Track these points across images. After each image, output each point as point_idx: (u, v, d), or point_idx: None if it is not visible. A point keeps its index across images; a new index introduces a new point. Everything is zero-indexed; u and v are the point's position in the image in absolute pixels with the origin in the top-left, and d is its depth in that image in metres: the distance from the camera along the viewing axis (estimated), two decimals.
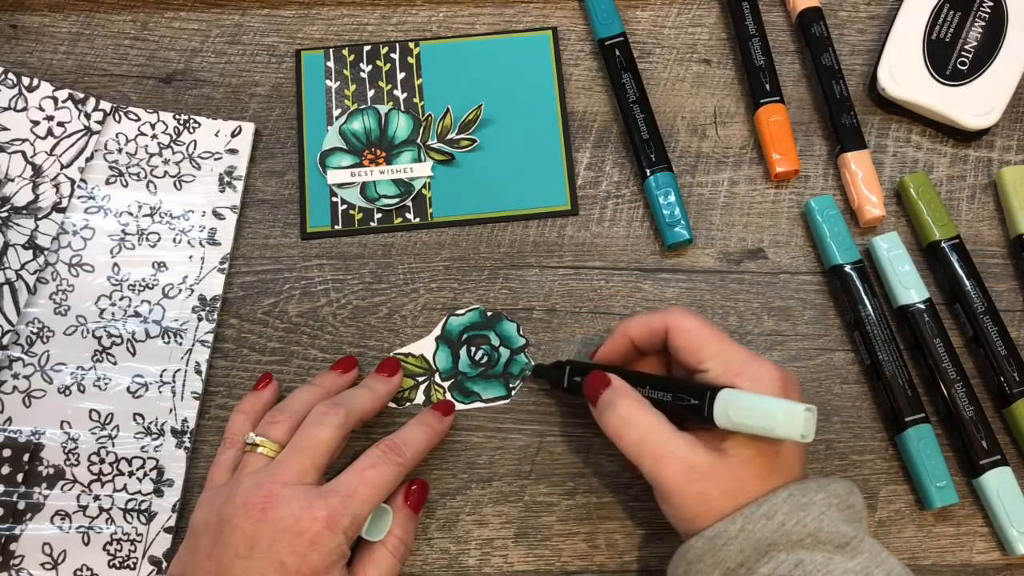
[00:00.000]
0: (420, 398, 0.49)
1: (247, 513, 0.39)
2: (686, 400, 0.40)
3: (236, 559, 0.39)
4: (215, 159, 0.53)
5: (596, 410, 0.43)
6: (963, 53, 0.53)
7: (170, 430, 0.48)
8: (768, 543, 0.37)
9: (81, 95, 0.53)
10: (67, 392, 0.48)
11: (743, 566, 0.37)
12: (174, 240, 0.51)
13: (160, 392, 0.49)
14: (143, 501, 0.47)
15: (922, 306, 0.49)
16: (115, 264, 0.51)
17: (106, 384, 0.49)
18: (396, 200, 0.53)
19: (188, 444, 0.48)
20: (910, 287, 0.50)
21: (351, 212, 0.53)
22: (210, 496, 0.42)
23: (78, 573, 0.46)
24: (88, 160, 0.52)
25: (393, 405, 0.49)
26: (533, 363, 0.49)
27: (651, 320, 0.43)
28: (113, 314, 0.50)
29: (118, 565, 0.46)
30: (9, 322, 0.49)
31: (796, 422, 0.36)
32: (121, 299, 0.50)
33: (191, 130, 0.53)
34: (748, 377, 0.39)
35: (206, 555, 0.40)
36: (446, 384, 0.50)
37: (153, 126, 0.53)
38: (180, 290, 0.50)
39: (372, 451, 0.43)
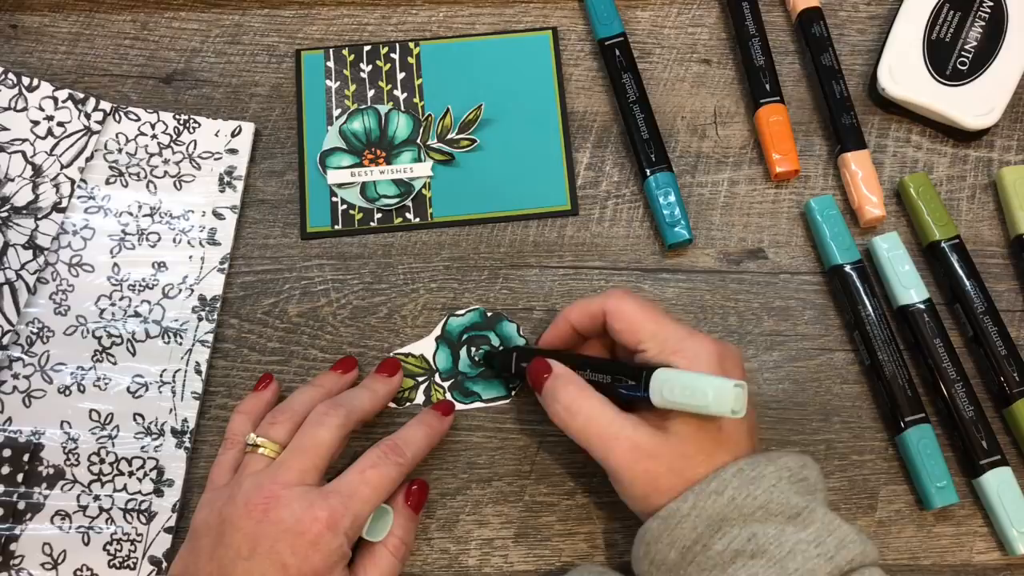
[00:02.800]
0: (420, 398, 0.49)
1: (248, 514, 0.39)
2: (624, 381, 0.41)
3: (238, 560, 0.39)
4: (215, 159, 0.53)
5: (541, 398, 0.43)
6: (963, 53, 0.53)
7: (170, 430, 0.48)
8: (720, 518, 0.38)
9: (81, 95, 0.53)
10: (67, 392, 0.48)
11: (698, 543, 0.38)
12: (174, 240, 0.51)
13: (160, 392, 0.49)
14: (143, 501, 0.47)
15: (922, 306, 0.49)
16: (115, 264, 0.51)
17: (106, 384, 0.49)
18: (396, 200, 0.53)
19: (188, 444, 0.48)
20: (910, 287, 0.50)
21: (351, 212, 0.53)
22: (211, 497, 0.42)
23: (78, 573, 0.46)
24: (88, 160, 0.52)
25: (393, 405, 0.49)
26: (484, 349, 0.49)
27: (589, 304, 0.44)
28: (113, 314, 0.50)
29: (118, 565, 0.46)
30: (9, 322, 0.49)
31: (726, 398, 0.36)
32: (121, 299, 0.50)
33: (191, 130, 0.53)
34: (684, 355, 0.40)
35: (207, 556, 0.40)
36: (446, 384, 0.50)
37: (153, 126, 0.53)
38: (180, 290, 0.50)
39: (373, 451, 0.43)
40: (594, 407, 0.41)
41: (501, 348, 0.48)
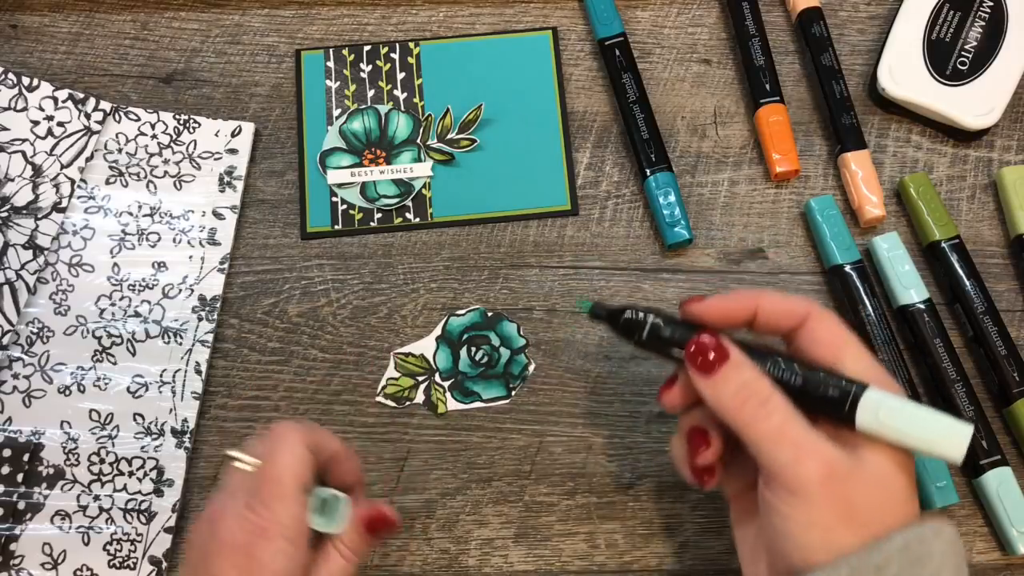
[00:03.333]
0: (420, 398, 0.49)
1: (200, 529, 0.39)
2: (822, 388, 0.35)
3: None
4: (215, 159, 0.53)
5: (709, 382, 0.36)
6: (963, 53, 0.53)
7: (170, 430, 0.48)
8: None
9: (81, 95, 0.53)
10: (67, 392, 0.48)
11: None
12: (174, 240, 0.51)
13: (160, 392, 0.49)
14: (143, 501, 0.47)
15: (922, 306, 0.49)
16: (115, 264, 0.51)
17: (106, 384, 0.49)
18: (396, 200, 0.53)
19: (188, 444, 0.48)
20: (910, 287, 0.50)
21: (351, 212, 0.53)
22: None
23: (78, 573, 0.46)
24: (88, 160, 0.52)
25: (393, 404, 0.49)
26: (590, 302, 0.41)
27: (793, 302, 0.38)
28: (113, 314, 0.50)
29: (118, 565, 0.46)
30: (9, 322, 0.49)
31: (959, 440, 0.32)
32: (121, 299, 0.50)
33: (191, 130, 0.53)
34: (889, 388, 0.35)
35: (185, 570, 0.39)
36: (446, 384, 0.50)
37: (153, 126, 0.53)
38: (180, 290, 0.50)
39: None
40: (789, 409, 0.35)
41: (624, 306, 0.39)
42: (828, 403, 0.35)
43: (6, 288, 0.49)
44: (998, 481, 0.46)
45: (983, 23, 0.54)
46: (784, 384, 0.36)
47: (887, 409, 0.34)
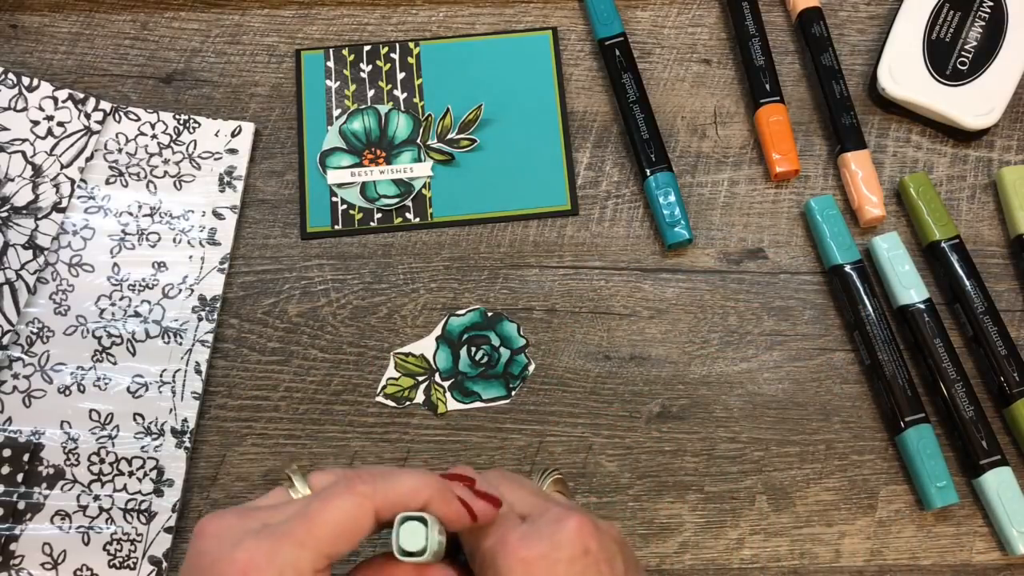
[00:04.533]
0: (420, 397, 0.49)
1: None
2: None
3: None
4: (215, 159, 0.53)
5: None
6: (963, 53, 0.53)
7: (170, 430, 0.48)
8: None
9: (81, 95, 0.53)
10: (67, 392, 0.48)
11: None
12: (174, 240, 0.51)
13: (160, 392, 0.49)
14: (143, 501, 0.47)
15: (922, 306, 0.49)
16: (115, 264, 0.51)
17: (106, 384, 0.49)
18: (396, 200, 0.53)
19: (188, 444, 0.48)
20: (910, 287, 0.50)
21: (351, 212, 0.53)
22: None
23: (78, 573, 0.46)
24: (88, 160, 0.52)
25: (392, 404, 0.49)
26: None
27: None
28: (113, 314, 0.50)
29: (118, 565, 0.46)
30: (9, 322, 0.49)
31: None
32: (121, 299, 0.50)
33: (191, 130, 0.53)
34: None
35: None
36: (446, 384, 0.50)
37: (153, 126, 0.53)
38: (180, 290, 0.50)
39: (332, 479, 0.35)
40: None
41: None
42: None
43: (6, 288, 0.49)
44: (998, 481, 0.46)
45: (983, 23, 0.54)
46: None
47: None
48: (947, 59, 0.53)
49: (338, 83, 0.55)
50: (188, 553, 0.32)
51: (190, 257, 0.51)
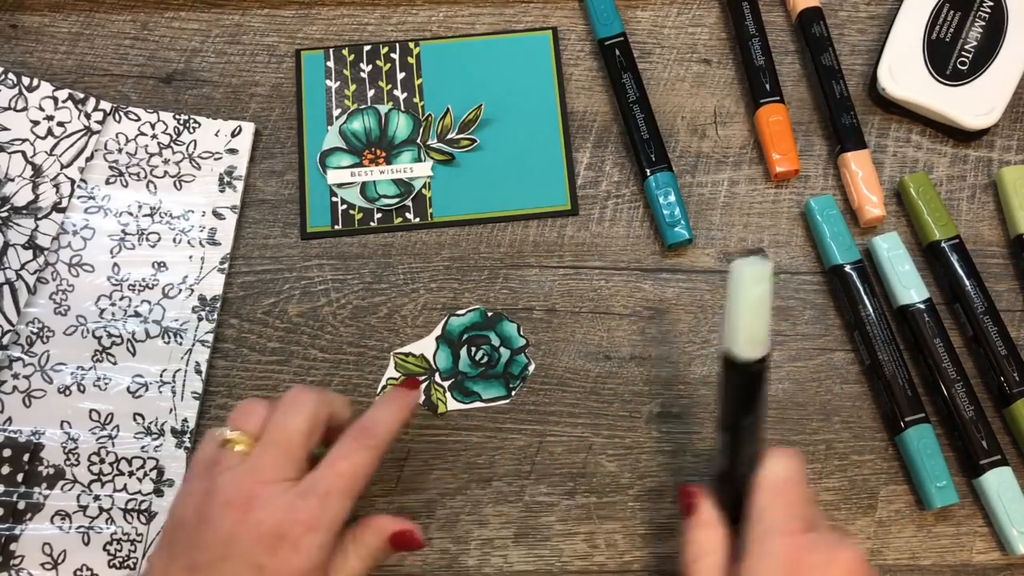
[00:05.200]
0: (420, 398, 0.49)
1: (226, 513, 0.38)
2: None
3: (214, 560, 0.38)
4: (215, 159, 0.53)
5: (685, 521, 0.42)
6: (963, 53, 0.53)
7: (170, 430, 0.48)
8: None
9: (81, 95, 0.53)
10: (67, 392, 0.48)
11: None
12: (174, 240, 0.51)
13: (160, 392, 0.49)
14: (143, 501, 0.47)
15: (922, 306, 0.49)
16: (115, 264, 0.51)
17: (106, 384, 0.49)
18: (396, 200, 0.53)
19: (188, 444, 0.48)
20: (910, 287, 0.50)
21: (351, 212, 0.53)
22: (187, 489, 0.41)
23: (78, 573, 0.46)
24: (88, 160, 0.52)
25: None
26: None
27: None
28: (113, 314, 0.50)
29: (118, 565, 0.46)
30: (9, 322, 0.49)
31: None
32: (121, 299, 0.50)
33: (191, 130, 0.53)
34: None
35: (183, 554, 0.39)
36: (446, 384, 0.50)
37: (153, 126, 0.53)
38: (180, 290, 0.50)
39: (343, 440, 0.41)
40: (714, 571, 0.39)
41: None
42: None
43: (6, 288, 0.49)
44: (998, 481, 0.47)
45: (983, 23, 0.54)
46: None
47: None
48: (947, 59, 0.53)
49: (338, 83, 0.55)
50: (236, 521, 0.38)
51: (190, 257, 0.51)
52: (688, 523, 0.41)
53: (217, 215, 0.52)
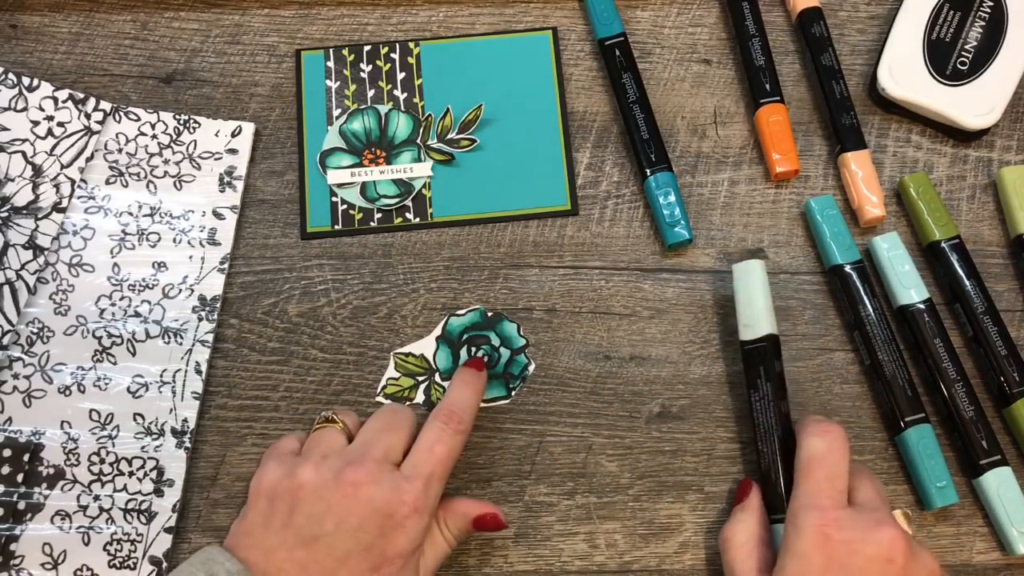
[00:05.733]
0: (420, 397, 0.49)
1: (337, 487, 0.39)
2: None
3: (321, 533, 0.39)
4: (215, 159, 0.53)
5: (736, 506, 0.46)
6: (963, 53, 0.53)
7: (170, 430, 0.48)
8: None
9: (81, 95, 0.53)
10: (67, 392, 0.48)
11: None
12: (174, 240, 0.51)
13: (160, 392, 0.49)
14: (143, 501, 0.47)
15: (922, 306, 0.49)
16: (115, 264, 0.51)
17: (106, 384, 0.49)
18: (396, 200, 0.53)
19: (188, 444, 0.48)
20: (910, 287, 0.50)
21: (351, 212, 0.53)
22: (283, 462, 0.41)
23: (78, 573, 0.46)
24: (88, 160, 0.52)
25: (392, 403, 0.49)
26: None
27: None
28: (113, 314, 0.50)
29: (118, 565, 0.46)
30: (9, 322, 0.49)
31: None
32: (121, 299, 0.50)
33: (191, 130, 0.53)
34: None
35: (281, 522, 0.39)
36: (446, 384, 0.50)
37: (153, 126, 0.53)
38: (180, 290, 0.50)
39: (432, 424, 0.43)
40: (752, 559, 0.43)
41: None
42: None
43: (6, 288, 0.49)
44: (998, 481, 0.47)
45: (983, 23, 0.54)
46: None
47: None
48: (947, 59, 0.53)
49: (338, 83, 0.55)
50: (347, 496, 0.39)
51: (190, 257, 0.51)
52: (736, 507, 0.45)
53: (217, 215, 0.52)
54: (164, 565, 0.46)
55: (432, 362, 0.50)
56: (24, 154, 0.52)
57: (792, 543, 0.40)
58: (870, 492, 0.42)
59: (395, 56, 0.56)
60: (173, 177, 0.53)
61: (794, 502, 0.41)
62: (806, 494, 0.41)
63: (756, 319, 0.46)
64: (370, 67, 0.56)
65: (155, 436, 0.48)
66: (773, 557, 0.42)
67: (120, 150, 0.53)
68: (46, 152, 0.52)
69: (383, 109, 0.55)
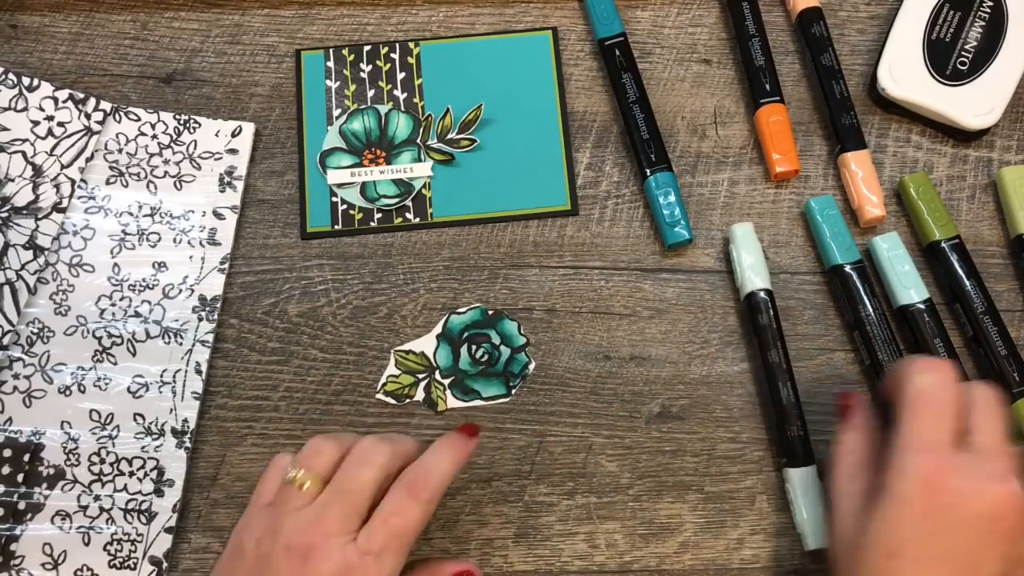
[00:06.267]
0: (420, 395, 0.49)
1: (287, 558, 0.38)
2: None
3: None
4: (215, 159, 0.53)
5: (841, 425, 0.44)
6: (963, 53, 0.53)
7: (170, 430, 0.48)
8: None
9: (81, 95, 0.53)
10: (67, 392, 0.48)
11: None
12: (174, 240, 0.51)
13: (160, 392, 0.49)
14: (143, 501, 0.47)
15: (922, 306, 0.49)
16: (115, 264, 0.51)
17: (106, 384, 0.49)
18: (396, 200, 0.53)
19: (188, 444, 0.48)
20: (910, 287, 0.50)
21: (351, 212, 0.53)
22: (256, 518, 0.41)
23: (78, 573, 0.46)
24: (88, 160, 0.52)
25: (392, 402, 0.49)
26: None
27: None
28: (113, 314, 0.50)
29: (118, 565, 0.46)
30: (9, 322, 0.49)
31: None
32: (121, 299, 0.50)
33: (191, 130, 0.53)
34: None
35: None
36: (446, 381, 0.50)
37: (153, 126, 0.53)
38: (180, 290, 0.51)
39: (397, 490, 0.40)
40: (858, 483, 0.41)
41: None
42: None
43: (6, 288, 0.49)
44: None
45: (983, 23, 0.54)
46: None
47: None
48: (947, 59, 0.53)
49: (338, 83, 0.55)
50: (294, 570, 0.38)
51: (190, 257, 0.51)
52: (841, 426, 0.43)
53: (217, 215, 0.52)
54: (164, 565, 0.46)
55: (432, 359, 0.50)
56: (24, 154, 0.52)
57: (894, 485, 0.37)
58: (990, 436, 0.38)
59: (395, 56, 0.56)
60: (173, 177, 0.53)
61: (900, 439, 0.38)
62: (914, 433, 0.37)
63: (746, 278, 0.49)
64: (370, 67, 0.56)
65: (155, 436, 0.48)
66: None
67: (120, 150, 0.53)
68: (46, 152, 0.52)
69: (383, 109, 0.55)
